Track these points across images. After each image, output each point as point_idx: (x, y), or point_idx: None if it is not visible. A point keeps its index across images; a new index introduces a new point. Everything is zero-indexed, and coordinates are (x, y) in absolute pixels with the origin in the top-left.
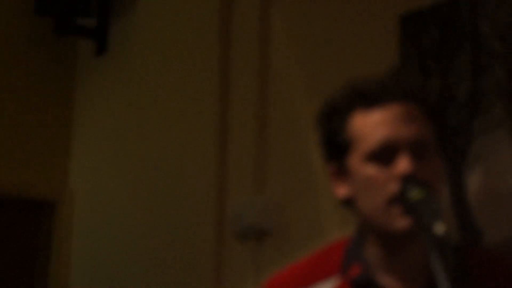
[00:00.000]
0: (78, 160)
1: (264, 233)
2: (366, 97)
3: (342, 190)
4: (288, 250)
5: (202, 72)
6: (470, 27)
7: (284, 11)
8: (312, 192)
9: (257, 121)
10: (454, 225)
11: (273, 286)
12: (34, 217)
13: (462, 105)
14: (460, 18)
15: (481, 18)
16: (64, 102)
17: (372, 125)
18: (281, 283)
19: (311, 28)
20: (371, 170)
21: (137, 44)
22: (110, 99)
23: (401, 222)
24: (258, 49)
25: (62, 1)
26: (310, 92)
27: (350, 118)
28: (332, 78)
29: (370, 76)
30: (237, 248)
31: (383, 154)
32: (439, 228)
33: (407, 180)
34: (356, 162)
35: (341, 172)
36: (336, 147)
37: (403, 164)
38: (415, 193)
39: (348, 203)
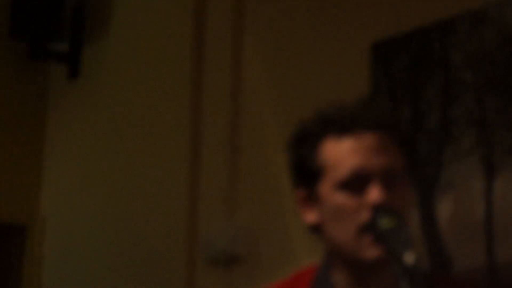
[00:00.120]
0: (50, 184)
1: (235, 258)
2: (338, 124)
3: (310, 216)
4: (259, 276)
5: (174, 96)
6: (441, 56)
7: (256, 37)
8: (283, 218)
9: (228, 147)
10: (424, 252)
11: None
12: (5, 242)
13: (433, 134)
14: (431, 47)
15: (452, 47)
16: (36, 126)
17: (343, 153)
18: None
19: (283, 54)
20: (342, 198)
21: (109, 68)
22: (82, 123)
23: (371, 251)
24: (230, 75)
25: (36, 26)
26: (282, 119)
27: (321, 145)
28: (304, 105)
29: (341, 103)
30: (208, 274)
31: (354, 183)
32: (410, 257)
33: (378, 209)
34: (327, 190)
35: (310, 198)
36: (306, 173)
37: (374, 193)
38: (386, 222)
39: (316, 229)
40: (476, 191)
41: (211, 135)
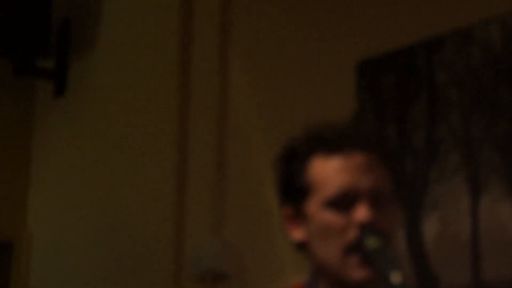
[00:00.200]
0: (36, 201)
1: (222, 276)
2: (327, 143)
3: (297, 234)
4: None
5: (161, 113)
6: (427, 74)
7: (243, 55)
8: (270, 235)
9: (215, 164)
10: (410, 271)
11: None
12: None
13: (419, 152)
14: (416, 66)
15: (437, 66)
16: (22, 143)
17: (332, 172)
18: None
19: (270, 72)
20: (329, 216)
21: (95, 85)
22: (68, 140)
23: (358, 272)
24: (217, 93)
25: (22, 43)
26: (268, 136)
27: (309, 163)
28: (290, 122)
29: (331, 122)
30: None
31: (342, 202)
32: (396, 277)
33: (365, 228)
34: (314, 207)
35: (297, 215)
36: (294, 190)
37: (361, 213)
38: (372, 242)
39: (303, 247)
40: (462, 210)
41: (198, 152)
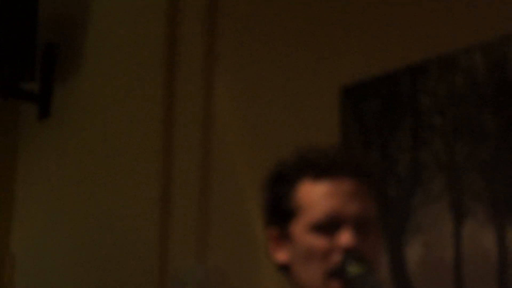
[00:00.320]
0: (20, 222)
1: None
2: (316, 167)
3: (281, 255)
4: None
5: (145, 137)
6: (410, 100)
7: (228, 79)
8: (255, 258)
9: (199, 188)
10: None
11: None
12: None
13: (402, 178)
14: (400, 91)
15: (421, 91)
16: (6, 165)
17: (319, 196)
18: None
19: (254, 96)
20: (313, 240)
21: (79, 108)
22: (52, 163)
23: None
24: (202, 116)
25: (7, 66)
26: (252, 160)
27: (297, 186)
28: (274, 147)
29: (321, 147)
30: None
31: (327, 226)
32: None
33: (348, 254)
34: (300, 230)
35: (282, 237)
36: (280, 212)
37: (345, 238)
38: (355, 268)
39: (286, 269)
40: (445, 235)
41: (182, 175)
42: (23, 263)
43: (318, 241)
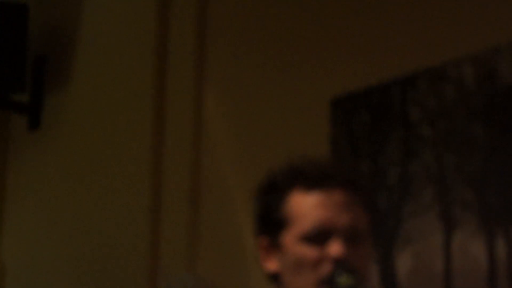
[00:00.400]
0: (10, 232)
1: None
2: (308, 178)
3: (271, 265)
4: None
5: (135, 148)
6: (400, 112)
7: (218, 92)
8: (244, 269)
9: (189, 198)
10: None
11: None
12: None
13: (392, 189)
14: (390, 103)
15: (411, 103)
16: None
17: (310, 207)
18: None
19: (244, 109)
20: (304, 250)
21: (70, 119)
22: (42, 174)
23: None
24: (192, 128)
25: None
26: (242, 171)
27: (289, 196)
28: (264, 158)
29: (312, 158)
30: None
31: (318, 236)
32: None
33: (338, 265)
34: (290, 240)
35: (273, 246)
36: (271, 222)
37: (335, 248)
38: (345, 279)
39: (276, 278)
40: (435, 246)
41: (172, 187)
42: (14, 272)
43: (308, 251)
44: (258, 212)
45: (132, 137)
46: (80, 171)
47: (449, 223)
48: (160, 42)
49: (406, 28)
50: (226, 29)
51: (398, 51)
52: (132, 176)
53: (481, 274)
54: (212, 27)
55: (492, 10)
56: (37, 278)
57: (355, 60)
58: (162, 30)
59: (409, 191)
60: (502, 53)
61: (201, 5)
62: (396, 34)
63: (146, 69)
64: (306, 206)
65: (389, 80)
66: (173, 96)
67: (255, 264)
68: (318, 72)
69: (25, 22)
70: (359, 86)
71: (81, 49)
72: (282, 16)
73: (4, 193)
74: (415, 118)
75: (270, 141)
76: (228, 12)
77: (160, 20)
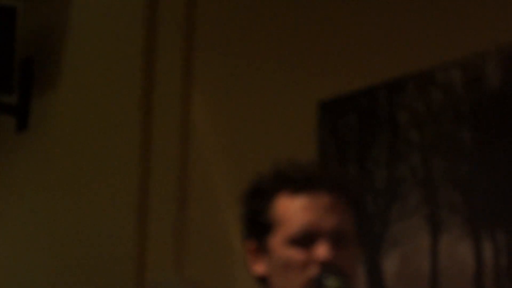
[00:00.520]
0: None
1: None
2: (294, 182)
3: (259, 268)
4: None
5: (123, 149)
6: (388, 115)
7: (205, 94)
8: (232, 271)
9: (177, 201)
10: None
11: None
12: None
13: (379, 192)
14: (377, 106)
15: (398, 107)
16: None
17: (296, 210)
18: None
19: (231, 111)
20: (291, 253)
21: (58, 121)
22: (30, 175)
23: None
24: (179, 129)
25: None
26: (229, 173)
27: (275, 200)
28: (251, 161)
29: (299, 162)
30: None
31: (304, 239)
32: None
33: (325, 268)
34: (277, 244)
35: (260, 249)
36: (258, 226)
37: (322, 251)
38: (332, 282)
39: (264, 281)
40: (421, 248)
41: (160, 189)
42: (1, 275)
43: (296, 254)
44: (245, 216)
45: (119, 139)
46: (68, 172)
47: (436, 226)
48: (147, 44)
49: (394, 32)
50: (214, 31)
51: (386, 55)
52: (120, 177)
53: (468, 277)
54: (200, 29)
55: (480, 14)
56: (24, 279)
57: (343, 63)
58: (150, 32)
59: (397, 194)
60: (490, 58)
61: (189, 7)
62: (384, 38)
63: (133, 71)
64: (293, 210)
65: (377, 84)
66: (161, 98)
67: (242, 266)
68: (306, 75)
69: (13, 24)
70: (346, 89)
71: (69, 51)
72: (270, 19)
73: None
74: (403, 122)
75: (257, 143)
76: (216, 14)
77: (148, 22)
